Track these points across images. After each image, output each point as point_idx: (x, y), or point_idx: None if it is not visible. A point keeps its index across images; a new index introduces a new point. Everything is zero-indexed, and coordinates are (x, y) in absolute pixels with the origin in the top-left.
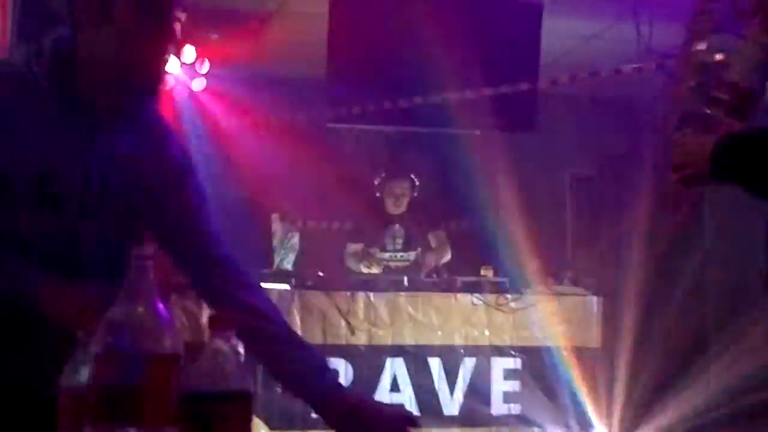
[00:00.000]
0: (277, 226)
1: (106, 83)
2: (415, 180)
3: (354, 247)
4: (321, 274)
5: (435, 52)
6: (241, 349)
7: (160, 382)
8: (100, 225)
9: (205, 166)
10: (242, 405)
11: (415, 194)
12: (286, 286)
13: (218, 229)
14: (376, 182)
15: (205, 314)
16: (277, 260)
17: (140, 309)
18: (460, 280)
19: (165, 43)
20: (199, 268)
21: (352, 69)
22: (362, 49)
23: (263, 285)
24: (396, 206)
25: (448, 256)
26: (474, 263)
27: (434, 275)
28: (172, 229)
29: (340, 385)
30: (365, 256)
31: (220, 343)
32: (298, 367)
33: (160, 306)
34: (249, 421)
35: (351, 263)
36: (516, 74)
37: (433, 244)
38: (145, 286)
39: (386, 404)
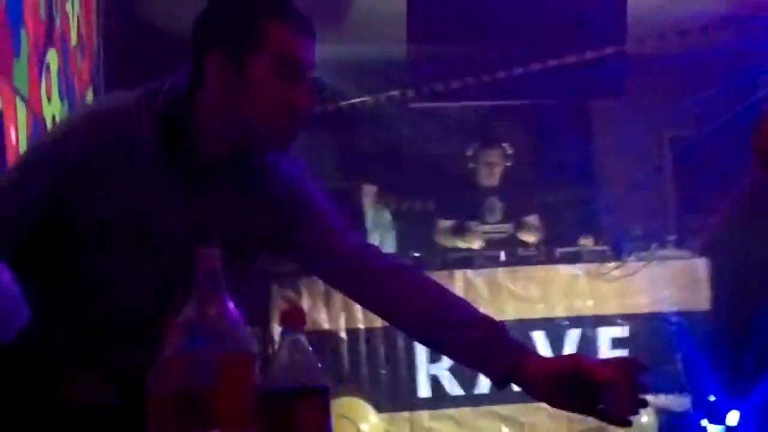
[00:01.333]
0: (368, 208)
1: (231, 141)
2: (507, 148)
3: (445, 224)
4: (417, 254)
5: (517, 22)
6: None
7: (235, 383)
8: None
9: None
10: (319, 399)
11: (508, 164)
12: None
13: (343, 224)
14: (468, 153)
15: (306, 303)
16: (374, 241)
17: (211, 310)
18: (559, 251)
19: (304, 100)
20: (342, 267)
21: (432, 47)
22: (442, 25)
23: None
24: (490, 176)
25: (540, 237)
26: (573, 233)
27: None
28: (302, 252)
29: (530, 348)
30: (461, 231)
31: (293, 339)
32: (477, 335)
33: (231, 306)
34: (327, 414)
35: (443, 240)
36: (602, 38)
37: (527, 225)
38: (215, 287)
39: (595, 359)
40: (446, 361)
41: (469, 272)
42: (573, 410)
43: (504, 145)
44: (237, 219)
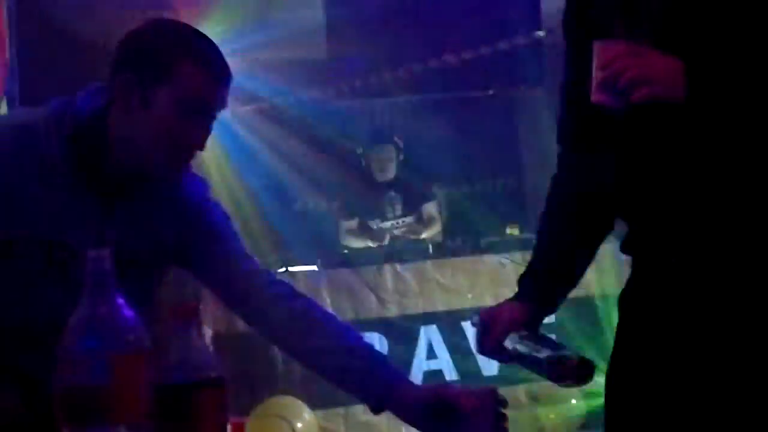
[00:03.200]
0: None
1: (134, 162)
2: (399, 143)
3: (349, 224)
4: (345, 251)
5: (430, 15)
6: (208, 336)
7: (128, 380)
8: None
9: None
10: (215, 392)
11: (401, 158)
12: (313, 267)
13: (241, 246)
14: (359, 151)
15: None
16: None
17: (102, 309)
18: (484, 241)
19: (199, 139)
20: (234, 290)
21: (350, 45)
22: (360, 23)
23: (291, 268)
24: (382, 172)
25: (439, 228)
26: (498, 223)
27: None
28: (202, 270)
29: (404, 376)
30: (365, 231)
31: (185, 333)
32: (356, 363)
33: (123, 304)
34: (224, 407)
35: (349, 241)
36: (517, 28)
37: (425, 215)
38: (106, 286)
39: (464, 390)
40: None
41: (399, 266)
42: None
43: (396, 139)
44: (146, 235)
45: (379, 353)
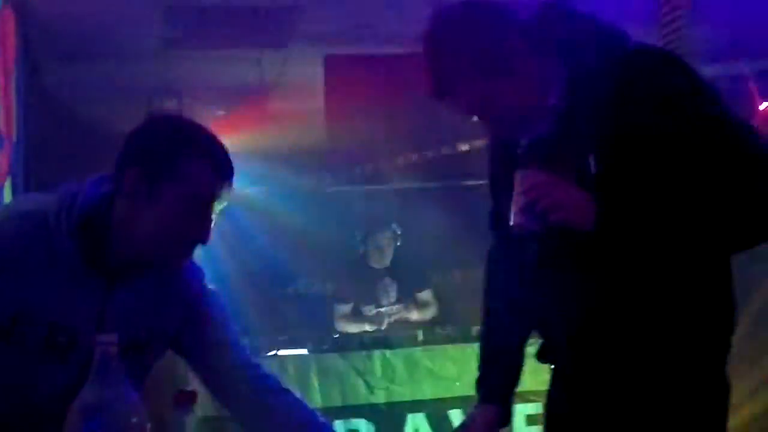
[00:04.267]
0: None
1: (137, 253)
2: (397, 230)
3: (343, 308)
4: (336, 336)
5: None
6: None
7: None
8: None
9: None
10: None
11: (398, 244)
12: (304, 351)
13: (235, 336)
14: (358, 238)
15: None
16: None
17: (108, 393)
18: (474, 329)
19: (202, 233)
20: (221, 379)
21: (349, 134)
22: (359, 112)
23: (281, 352)
24: (380, 258)
25: (434, 313)
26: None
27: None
28: (195, 356)
29: None
30: (358, 316)
31: (184, 417)
32: None
33: (128, 388)
34: None
35: (342, 325)
36: None
37: (419, 302)
38: (112, 370)
39: None
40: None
41: (388, 352)
42: None
43: (393, 226)
44: (144, 320)
45: None
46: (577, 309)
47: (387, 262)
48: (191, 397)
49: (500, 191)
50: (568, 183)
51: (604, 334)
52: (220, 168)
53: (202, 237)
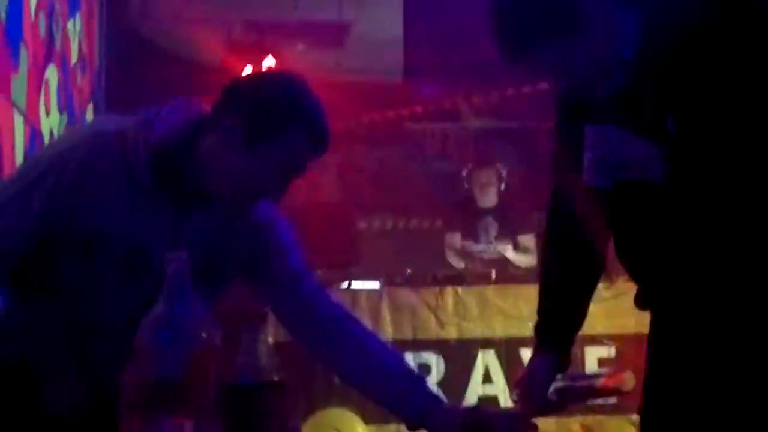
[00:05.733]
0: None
1: (213, 192)
2: (501, 170)
3: (453, 238)
4: (409, 271)
5: None
6: (271, 339)
7: (199, 375)
8: None
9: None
10: (278, 394)
11: (503, 185)
12: (375, 285)
13: (303, 264)
14: (463, 173)
15: None
16: None
17: (179, 307)
18: None
19: (277, 196)
20: (288, 306)
21: (428, 68)
22: (438, 47)
23: (354, 284)
24: (484, 196)
25: (534, 260)
26: None
27: None
28: (265, 285)
29: (440, 399)
30: (461, 252)
31: (253, 336)
32: (394, 385)
33: (197, 304)
34: (284, 409)
35: (451, 258)
36: None
37: (521, 245)
38: (183, 285)
39: (496, 412)
40: (434, 376)
41: (460, 289)
42: None
43: (497, 165)
44: (217, 245)
45: (417, 375)
46: (680, 252)
47: (491, 201)
48: (262, 317)
49: (565, 143)
50: (641, 139)
51: (709, 279)
52: (319, 143)
53: (276, 197)
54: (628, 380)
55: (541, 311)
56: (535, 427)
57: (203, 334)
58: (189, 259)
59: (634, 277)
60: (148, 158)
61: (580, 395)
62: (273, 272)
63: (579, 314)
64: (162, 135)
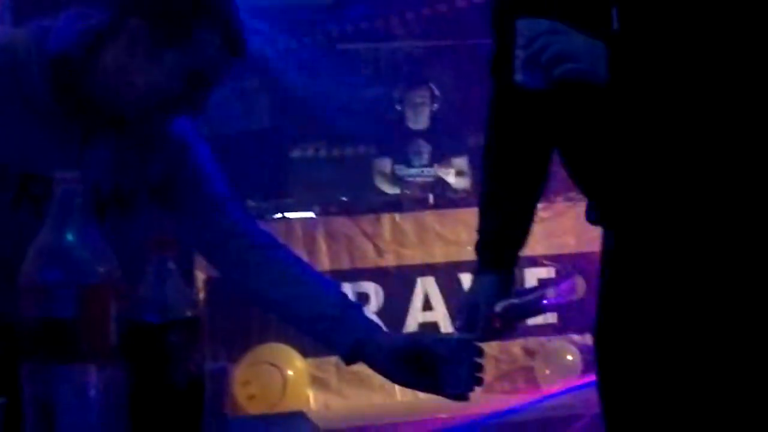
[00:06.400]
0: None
1: (121, 106)
2: (434, 89)
3: (381, 164)
4: (344, 199)
5: None
6: (200, 280)
7: (96, 314)
8: None
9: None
10: (190, 333)
11: (436, 105)
12: (311, 214)
13: (226, 190)
14: (395, 95)
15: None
16: None
17: (68, 237)
18: None
19: (198, 106)
20: (211, 236)
21: None
22: None
23: (288, 214)
24: (416, 117)
25: (469, 183)
26: None
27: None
28: (183, 212)
29: (377, 325)
30: (393, 177)
31: (161, 268)
32: (327, 311)
33: (92, 233)
34: (200, 346)
35: (381, 183)
36: None
37: (455, 169)
38: (73, 212)
39: (438, 338)
40: (373, 305)
41: (398, 216)
42: (414, 387)
43: (430, 85)
44: (127, 172)
45: (351, 302)
46: (631, 165)
47: (424, 123)
48: (170, 244)
49: (503, 43)
50: (578, 32)
51: (665, 190)
52: (233, 45)
53: (193, 111)
54: (579, 287)
55: (482, 229)
56: (481, 351)
57: (99, 268)
58: (83, 179)
59: (584, 190)
60: (44, 74)
61: (530, 311)
62: (193, 198)
63: (522, 230)
64: (59, 47)
